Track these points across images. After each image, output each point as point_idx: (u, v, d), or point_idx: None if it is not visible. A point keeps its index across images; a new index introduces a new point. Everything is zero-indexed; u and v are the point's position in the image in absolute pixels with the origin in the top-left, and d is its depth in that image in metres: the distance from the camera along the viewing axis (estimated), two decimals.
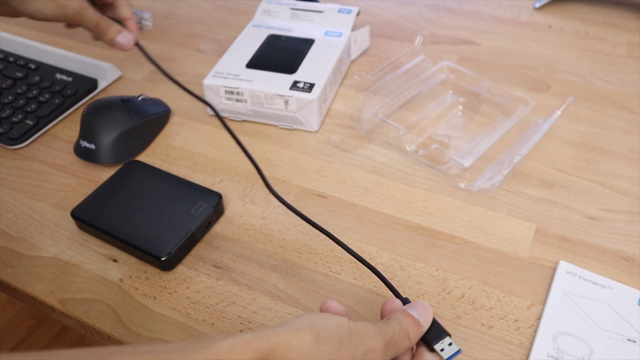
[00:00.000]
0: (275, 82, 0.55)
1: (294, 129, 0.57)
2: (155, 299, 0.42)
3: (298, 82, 0.55)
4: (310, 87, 0.55)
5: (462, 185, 0.50)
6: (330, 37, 0.63)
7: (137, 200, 0.47)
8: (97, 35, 0.49)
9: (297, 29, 0.64)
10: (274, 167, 0.53)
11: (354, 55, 0.67)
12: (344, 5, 0.66)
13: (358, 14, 0.65)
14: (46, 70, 0.64)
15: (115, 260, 0.45)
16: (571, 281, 0.42)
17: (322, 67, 0.58)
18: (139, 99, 0.57)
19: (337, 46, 0.61)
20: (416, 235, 0.46)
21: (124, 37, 0.49)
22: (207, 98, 0.57)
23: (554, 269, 0.43)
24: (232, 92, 0.55)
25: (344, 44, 0.62)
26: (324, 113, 0.59)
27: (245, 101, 0.56)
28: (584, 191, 0.49)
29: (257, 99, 0.55)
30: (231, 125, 0.58)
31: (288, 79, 0.56)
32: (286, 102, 0.54)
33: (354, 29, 0.64)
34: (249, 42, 0.62)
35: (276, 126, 0.58)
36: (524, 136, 0.52)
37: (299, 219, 0.48)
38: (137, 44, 0.51)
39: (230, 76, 0.56)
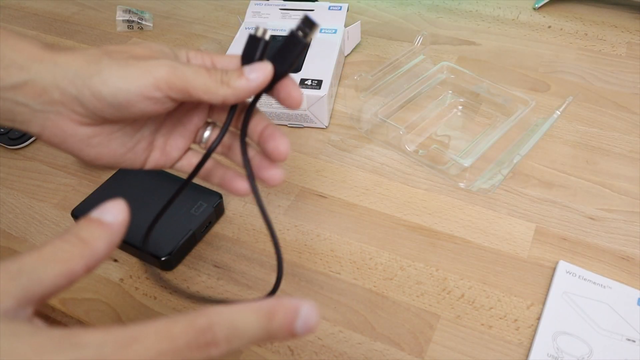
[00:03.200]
0: None
1: (303, 127, 0.57)
2: (155, 298, 0.42)
3: (305, 79, 0.56)
4: (318, 83, 0.55)
5: (461, 185, 0.50)
6: (326, 34, 0.63)
7: (137, 200, 0.47)
8: (213, 81, 0.30)
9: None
10: None
11: (347, 50, 0.67)
12: (336, 2, 0.67)
13: (347, 10, 0.67)
14: None
15: (115, 260, 0.45)
16: (571, 281, 0.42)
17: (325, 63, 0.58)
18: None
19: (335, 42, 0.62)
20: (416, 235, 0.46)
21: (254, 67, 0.30)
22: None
23: (554, 269, 0.43)
24: None
25: (341, 40, 0.62)
26: (331, 109, 0.59)
27: None
28: (584, 191, 0.49)
29: (266, 100, 0.55)
30: None
31: (294, 77, 0.56)
32: None
33: (345, 25, 0.65)
34: None
35: (281, 125, 0.58)
36: (523, 136, 0.52)
37: (299, 219, 0.48)
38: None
39: None
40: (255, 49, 0.31)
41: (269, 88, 0.31)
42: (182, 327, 0.21)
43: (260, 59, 0.31)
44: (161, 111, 0.30)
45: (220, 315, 0.22)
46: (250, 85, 0.30)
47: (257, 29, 0.31)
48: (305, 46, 0.31)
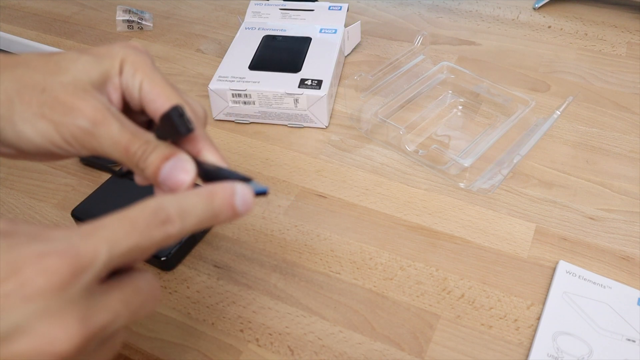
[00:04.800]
0: (283, 82, 0.55)
1: (303, 127, 0.57)
2: None
3: (305, 79, 0.56)
4: (318, 83, 0.55)
5: (462, 185, 0.50)
6: (326, 34, 0.63)
7: (137, 200, 0.47)
8: (129, 164, 0.27)
9: (291, 29, 0.64)
10: (274, 167, 0.53)
11: (347, 50, 0.67)
12: (336, 2, 0.67)
13: (347, 10, 0.67)
14: None
15: None
16: (571, 281, 0.42)
17: (325, 63, 0.58)
18: None
19: (335, 42, 0.62)
20: (416, 235, 0.46)
21: (176, 167, 0.27)
22: (213, 103, 0.57)
23: (554, 269, 0.43)
24: (239, 95, 0.56)
25: (341, 40, 0.62)
26: (331, 109, 0.59)
27: (253, 103, 0.56)
28: (584, 191, 0.49)
29: (266, 100, 0.55)
30: (235, 127, 0.58)
31: (294, 77, 0.56)
32: (296, 101, 0.55)
33: (345, 25, 0.65)
34: (246, 45, 0.62)
35: (281, 126, 0.58)
36: (523, 136, 0.52)
37: (299, 219, 0.48)
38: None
39: (235, 79, 0.56)
40: (172, 131, 0.26)
41: None
42: (137, 211, 0.23)
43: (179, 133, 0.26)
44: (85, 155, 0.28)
45: (167, 198, 0.24)
46: (162, 188, 0.27)
47: (182, 114, 0.25)
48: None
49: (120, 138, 0.26)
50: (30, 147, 0.27)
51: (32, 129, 0.26)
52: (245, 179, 0.27)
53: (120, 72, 0.28)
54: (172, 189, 0.27)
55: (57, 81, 0.27)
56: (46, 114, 0.26)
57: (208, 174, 0.28)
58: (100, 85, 0.28)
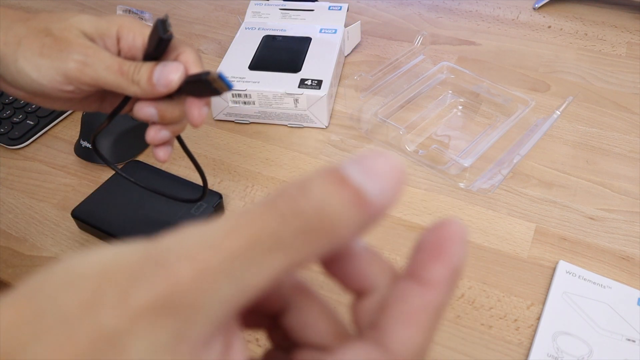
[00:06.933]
0: (283, 82, 0.55)
1: (303, 127, 0.57)
2: None
3: (305, 79, 0.56)
4: (318, 83, 0.55)
5: (461, 185, 0.50)
6: (326, 34, 0.63)
7: (137, 200, 0.47)
8: (124, 82, 0.30)
9: (291, 29, 0.64)
10: (273, 167, 0.53)
11: (347, 50, 0.67)
12: (336, 2, 0.67)
13: (347, 10, 0.67)
14: None
15: None
16: (571, 281, 0.42)
17: (325, 63, 0.58)
18: None
19: (335, 42, 0.62)
20: (416, 235, 0.46)
21: (165, 68, 0.30)
22: (213, 103, 0.57)
23: (554, 269, 0.43)
24: (239, 95, 0.56)
25: (341, 40, 0.62)
26: (331, 109, 0.59)
27: (253, 103, 0.56)
28: (584, 191, 0.49)
29: (266, 100, 0.55)
30: (235, 127, 0.58)
31: (294, 77, 0.56)
32: (296, 101, 0.55)
33: (344, 25, 0.65)
34: (246, 45, 0.62)
35: (281, 126, 0.58)
36: (523, 136, 0.52)
37: None
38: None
39: (235, 79, 0.56)
40: (158, 44, 0.31)
41: (176, 94, 0.32)
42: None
43: (161, 53, 0.32)
44: (85, 95, 0.32)
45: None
46: (157, 90, 0.31)
47: (165, 23, 0.29)
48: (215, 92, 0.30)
49: (112, 62, 0.30)
50: (30, 84, 0.30)
51: (31, 66, 0.30)
52: (206, 73, 0.29)
53: (119, 38, 0.32)
54: (165, 87, 0.30)
55: (56, 27, 0.31)
56: (44, 53, 0.30)
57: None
58: (91, 39, 0.32)
